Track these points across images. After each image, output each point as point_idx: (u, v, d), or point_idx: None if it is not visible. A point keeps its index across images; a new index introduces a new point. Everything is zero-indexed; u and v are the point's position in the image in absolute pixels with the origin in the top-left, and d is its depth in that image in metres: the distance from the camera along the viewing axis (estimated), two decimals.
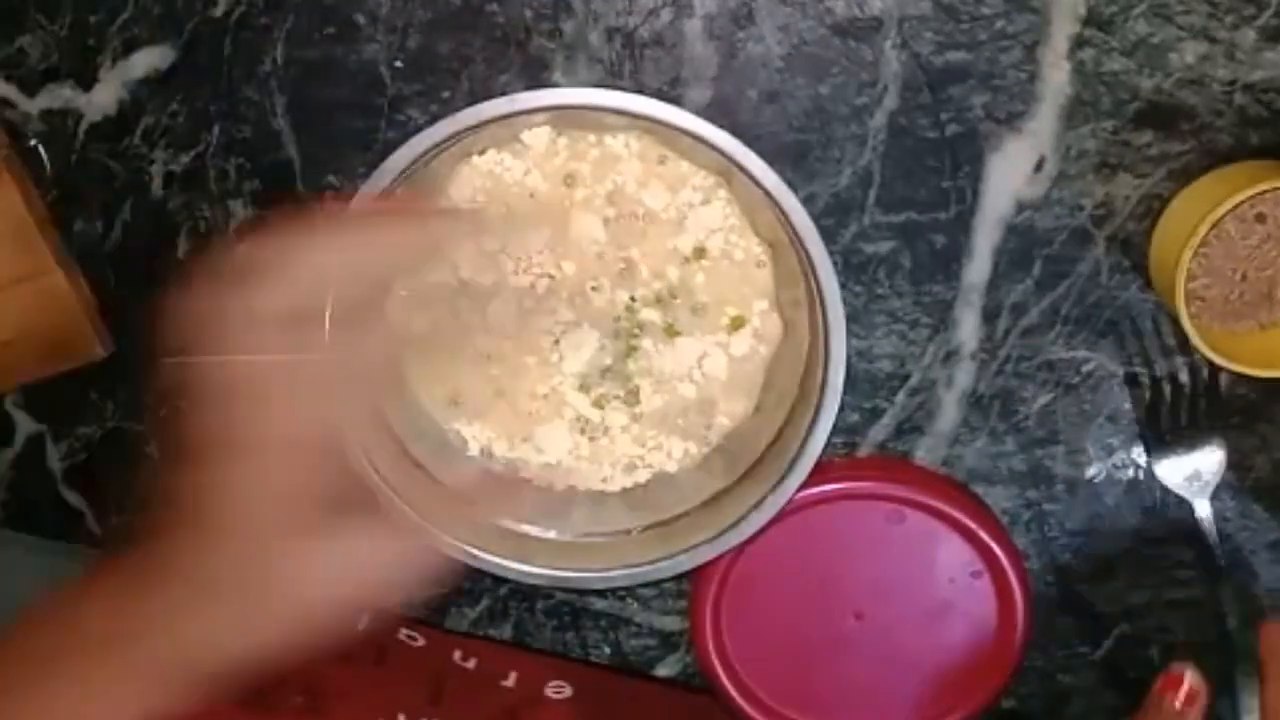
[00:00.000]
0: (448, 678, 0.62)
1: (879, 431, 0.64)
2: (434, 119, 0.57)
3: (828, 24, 0.60)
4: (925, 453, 0.64)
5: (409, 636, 0.65)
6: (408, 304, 0.62)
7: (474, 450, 0.63)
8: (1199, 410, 0.62)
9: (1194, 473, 0.62)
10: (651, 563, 0.60)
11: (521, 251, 0.60)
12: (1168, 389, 0.62)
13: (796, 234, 0.55)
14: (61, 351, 0.65)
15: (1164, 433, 0.62)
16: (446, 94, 0.62)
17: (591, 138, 0.60)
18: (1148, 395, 0.62)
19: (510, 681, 0.62)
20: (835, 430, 0.58)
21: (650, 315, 0.61)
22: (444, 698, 0.59)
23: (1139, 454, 0.63)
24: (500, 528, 0.63)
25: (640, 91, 0.58)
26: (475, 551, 0.61)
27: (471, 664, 0.64)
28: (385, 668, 0.62)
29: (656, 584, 0.66)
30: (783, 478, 0.58)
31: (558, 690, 0.61)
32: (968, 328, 0.63)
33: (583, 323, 0.61)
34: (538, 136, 0.60)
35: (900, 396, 0.64)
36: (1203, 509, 0.62)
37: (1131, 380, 0.62)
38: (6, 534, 0.69)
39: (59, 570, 0.67)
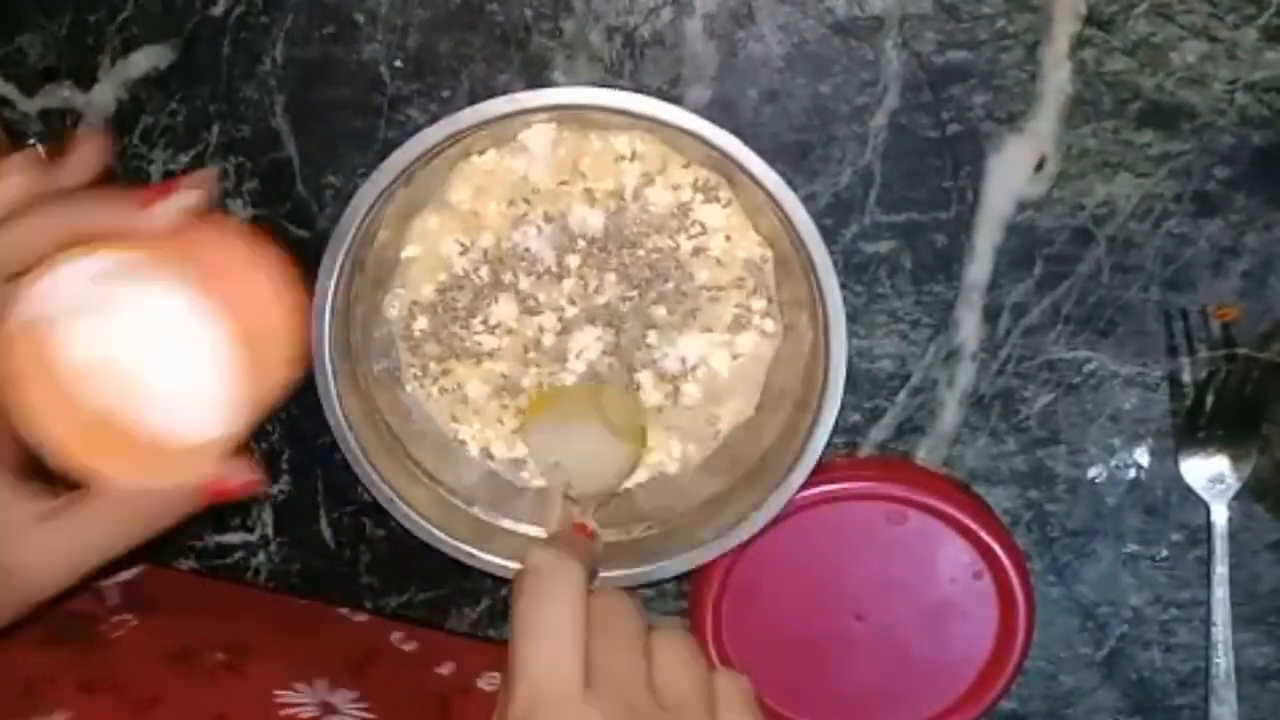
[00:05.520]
0: (379, 656, 0.62)
1: (880, 431, 0.64)
2: (434, 118, 0.57)
3: (828, 23, 0.60)
4: (926, 453, 0.64)
5: (351, 612, 0.65)
6: (406, 303, 0.62)
7: (474, 450, 0.63)
8: (1238, 413, 0.62)
9: (1219, 475, 0.62)
10: (651, 563, 0.60)
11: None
12: (1210, 390, 0.62)
13: (797, 234, 0.55)
14: None
15: (1198, 431, 0.62)
16: (446, 93, 0.61)
17: (592, 136, 0.60)
18: (1188, 393, 0.62)
19: (445, 670, 0.62)
20: (836, 430, 0.58)
21: (651, 314, 0.61)
22: (369, 672, 0.59)
23: (1140, 454, 0.63)
24: (500, 528, 0.62)
25: (640, 91, 0.57)
26: (475, 551, 0.61)
27: (410, 647, 0.64)
28: (317, 637, 0.62)
29: (656, 584, 0.66)
30: (783, 478, 0.58)
31: (490, 682, 0.61)
32: (969, 328, 0.62)
33: (583, 321, 0.61)
34: (538, 135, 0.60)
35: (901, 396, 0.63)
36: (1219, 514, 0.62)
37: (1173, 378, 0.62)
38: None
39: None
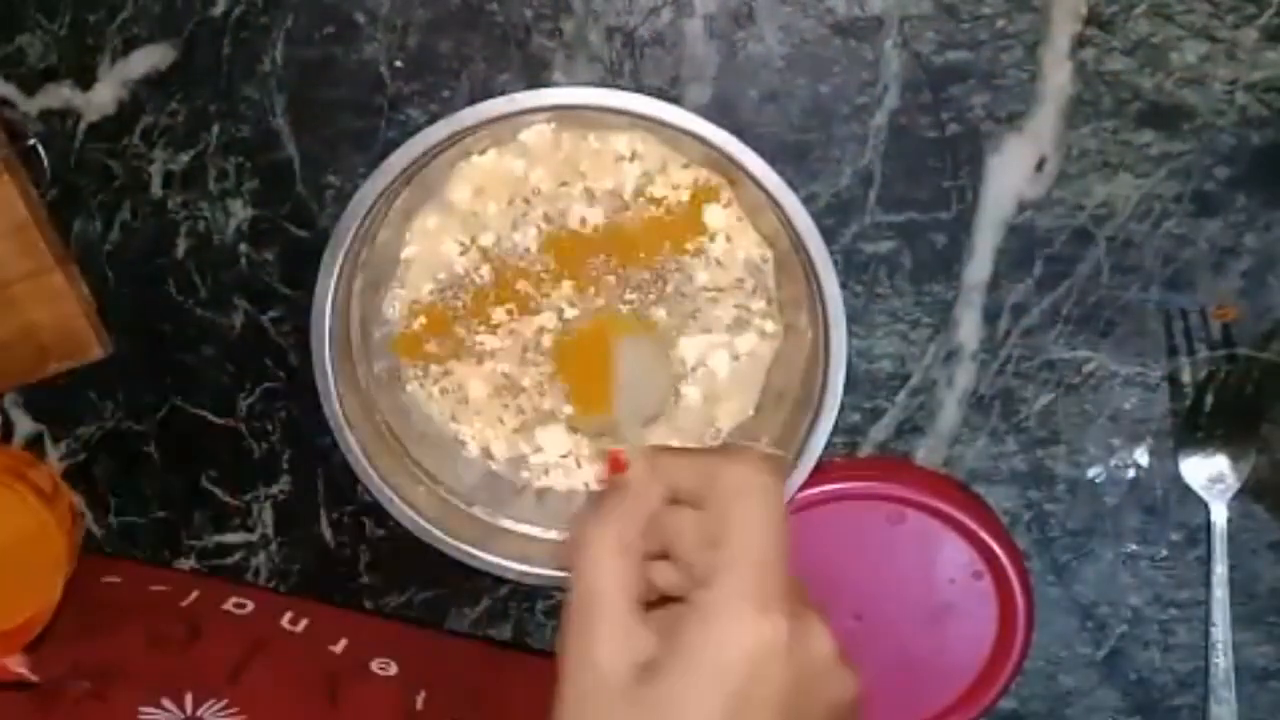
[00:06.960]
0: (266, 645, 0.61)
1: (880, 431, 0.64)
2: (434, 118, 0.57)
3: (828, 23, 0.60)
4: (926, 453, 0.64)
5: (237, 605, 0.64)
6: (406, 303, 0.62)
7: (474, 450, 0.63)
8: (1238, 413, 0.62)
9: (1218, 475, 0.62)
10: None
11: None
12: (1209, 389, 0.62)
13: (797, 234, 0.55)
14: (61, 351, 0.65)
15: (1198, 431, 0.62)
16: (446, 94, 0.61)
17: (592, 137, 0.60)
18: (1188, 393, 0.62)
19: (339, 647, 0.62)
20: (836, 430, 0.58)
21: (650, 315, 0.61)
22: (248, 671, 0.58)
23: (1140, 454, 0.63)
24: (500, 528, 0.62)
25: (640, 91, 0.57)
26: (475, 551, 0.61)
27: (300, 627, 0.63)
28: (197, 642, 0.61)
29: None
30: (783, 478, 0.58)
31: (383, 667, 0.61)
32: (968, 328, 0.62)
33: (584, 322, 0.61)
34: (538, 135, 0.60)
35: (901, 396, 0.63)
36: (1219, 513, 0.62)
37: (1173, 378, 0.62)
38: None
39: None
